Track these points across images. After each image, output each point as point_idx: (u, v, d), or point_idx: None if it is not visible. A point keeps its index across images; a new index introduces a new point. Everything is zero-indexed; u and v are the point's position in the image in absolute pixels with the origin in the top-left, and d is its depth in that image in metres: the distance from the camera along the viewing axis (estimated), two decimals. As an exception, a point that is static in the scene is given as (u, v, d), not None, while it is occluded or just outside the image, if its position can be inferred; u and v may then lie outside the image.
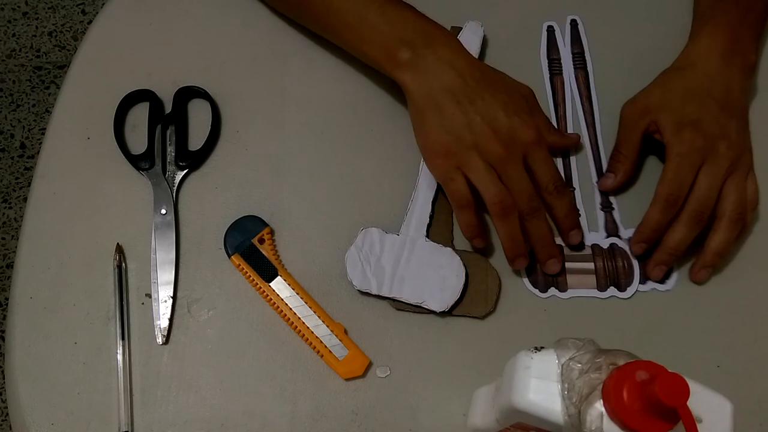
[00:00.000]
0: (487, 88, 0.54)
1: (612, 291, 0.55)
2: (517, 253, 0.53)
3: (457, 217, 0.55)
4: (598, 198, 0.59)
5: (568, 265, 0.56)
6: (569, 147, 0.60)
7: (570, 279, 0.55)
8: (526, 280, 0.55)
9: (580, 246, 0.56)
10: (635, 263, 0.56)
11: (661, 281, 0.55)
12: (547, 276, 0.55)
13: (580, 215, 0.57)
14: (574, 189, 0.59)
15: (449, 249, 0.55)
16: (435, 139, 0.53)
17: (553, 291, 0.55)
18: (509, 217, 0.52)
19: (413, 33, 0.55)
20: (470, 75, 0.54)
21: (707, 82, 0.56)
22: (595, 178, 0.59)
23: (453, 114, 0.53)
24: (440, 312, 0.53)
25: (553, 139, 0.58)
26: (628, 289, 0.55)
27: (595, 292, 0.55)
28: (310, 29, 0.63)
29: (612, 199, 0.58)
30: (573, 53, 0.65)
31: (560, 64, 0.64)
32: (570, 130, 0.61)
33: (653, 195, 0.54)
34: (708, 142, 0.53)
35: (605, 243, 0.57)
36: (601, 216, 0.58)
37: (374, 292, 0.53)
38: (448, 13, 0.63)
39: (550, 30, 0.66)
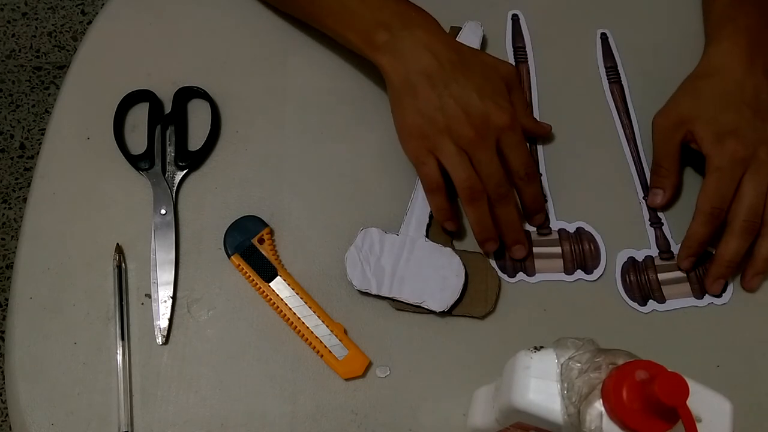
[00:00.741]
0: (463, 71, 0.53)
1: (579, 274, 0.55)
2: (486, 237, 0.54)
3: (428, 200, 0.55)
4: (646, 214, 0.58)
5: (535, 249, 0.56)
6: (540, 135, 0.60)
7: (537, 263, 0.55)
8: (494, 266, 0.55)
9: (547, 230, 0.56)
10: (602, 246, 0.56)
11: (719, 295, 0.55)
12: (514, 261, 0.55)
13: (546, 201, 0.58)
14: (541, 175, 0.59)
15: (449, 249, 0.55)
16: (409, 122, 0.54)
17: (521, 276, 0.55)
18: (477, 201, 0.52)
19: (391, 16, 0.55)
20: (446, 58, 0.54)
21: (737, 87, 0.56)
22: (640, 194, 0.59)
23: (427, 97, 0.53)
24: (440, 312, 0.53)
25: (526, 122, 0.58)
26: (594, 271, 0.55)
27: (563, 276, 0.55)
28: (295, 17, 0.63)
29: (660, 214, 0.58)
30: (606, 67, 0.65)
31: (525, 52, 0.65)
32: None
33: (695, 207, 0.54)
34: (749, 151, 0.53)
35: (572, 227, 0.57)
36: (651, 232, 0.57)
37: (374, 292, 0.53)
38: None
39: (515, 18, 0.66)
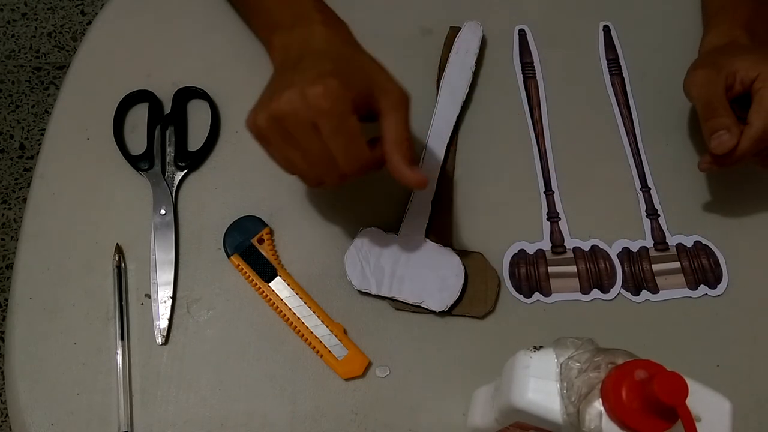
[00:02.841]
0: (318, 58, 0.48)
1: (595, 293, 0.55)
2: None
3: None
4: (642, 205, 0.58)
5: (550, 269, 0.56)
6: (409, 183, 0.48)
7: (553, 283, 0.55)
8: (510, 287, 0.55)
9: (562, 249, 0.56)
10: (617, 264, 0.56)
11: (713, 287, 0.55)
12: (530, 281, 0.55)
13: (560, 218, 0.57)
14: (553, 192, 0.58)
15: (448, 249, 0.55)
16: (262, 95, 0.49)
17: (537, 296, 0.55)
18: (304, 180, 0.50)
19: (290, 17, 0.52)
20: (316, 48, 0.49)
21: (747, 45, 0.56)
22: (638, 185, 0.59)
23: (278, 78, 0.49)
24: (440, 312, 0.53)
25: (392, 155, 0.47)
26: (611, 290, 0.55)
27: (579, 296, 0.55)
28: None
29: (657, 205, 0.58)
30: (608, 59, 0.65)
31: (533, 67, 0.64)
32: (547, 133, 0.61)
33: (747, 124, 0.51)
34: None
35: (586, 245, 0.57)
36: (647, 223, 0.58)
37: (373, 291, 0.53)
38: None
39: (522, 33, 0.66)
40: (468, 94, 0.62)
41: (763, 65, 0.52)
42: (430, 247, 0.55)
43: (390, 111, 0.48)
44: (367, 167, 0.48)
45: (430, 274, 0.54)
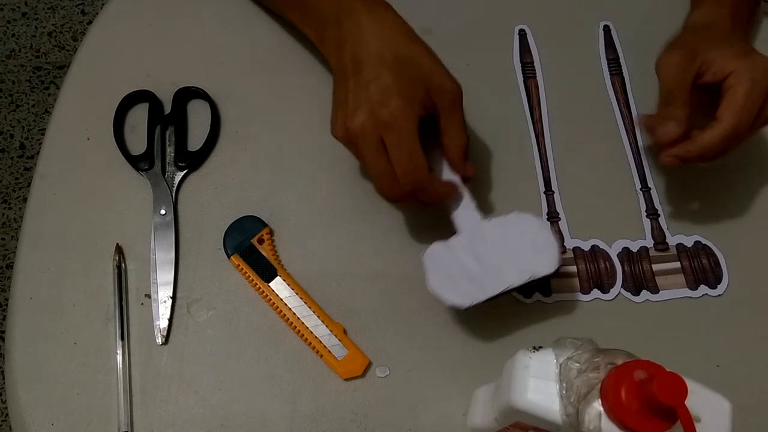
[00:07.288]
0: (384, 65, 0.49)
1: (595, 293, 0.55)
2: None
3: None
4: (642, 205, 0.58)
5: None
6: (462, 175, 0.53)
7: (553, 283, 0.55)
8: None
9: (562, 249, 0.56)
10: (617, 264, 0.56)
11: (713, 287, 0.55)
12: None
13: (560, 218, 0.57)
14: (554, 192, 0.58)
15: (514, 213, 0.51)
16: (333, 107, 0.52)
17: (537, 296, 0.55)
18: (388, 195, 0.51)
19: (335, 10, 0.52)
20: (375, 50, 0.50)
21: (730, 35, 0.55)
22: (638, 185, 0.59)
23: (340, 88, 0.51)
24: (551, 273, 0.49)
25: (450, 153, 0.52)
26: (611, 290, 0.55)
27: (579, 295, 0.55)
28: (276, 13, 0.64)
29: (658, 205, 0.58)
30: (608, 59, 0.65)
31: (533, 67, 0.65)
32: (547, 133, 0.61)
33: (716, 119, 0.50)
34: None
35: (586, 245, 0.57)
36: (647, 223, 0.58)
37: (483, 298, 0.48)
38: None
39: (522, 33, 0.66)
40: (468, 94, 0.62)
41: (738, 61, 0.51)
42: (498, 223, 0.51)
43: (445, 111, 0.51)
44: (423, 184, 0.50)
45: (518, 246, 0.49)
